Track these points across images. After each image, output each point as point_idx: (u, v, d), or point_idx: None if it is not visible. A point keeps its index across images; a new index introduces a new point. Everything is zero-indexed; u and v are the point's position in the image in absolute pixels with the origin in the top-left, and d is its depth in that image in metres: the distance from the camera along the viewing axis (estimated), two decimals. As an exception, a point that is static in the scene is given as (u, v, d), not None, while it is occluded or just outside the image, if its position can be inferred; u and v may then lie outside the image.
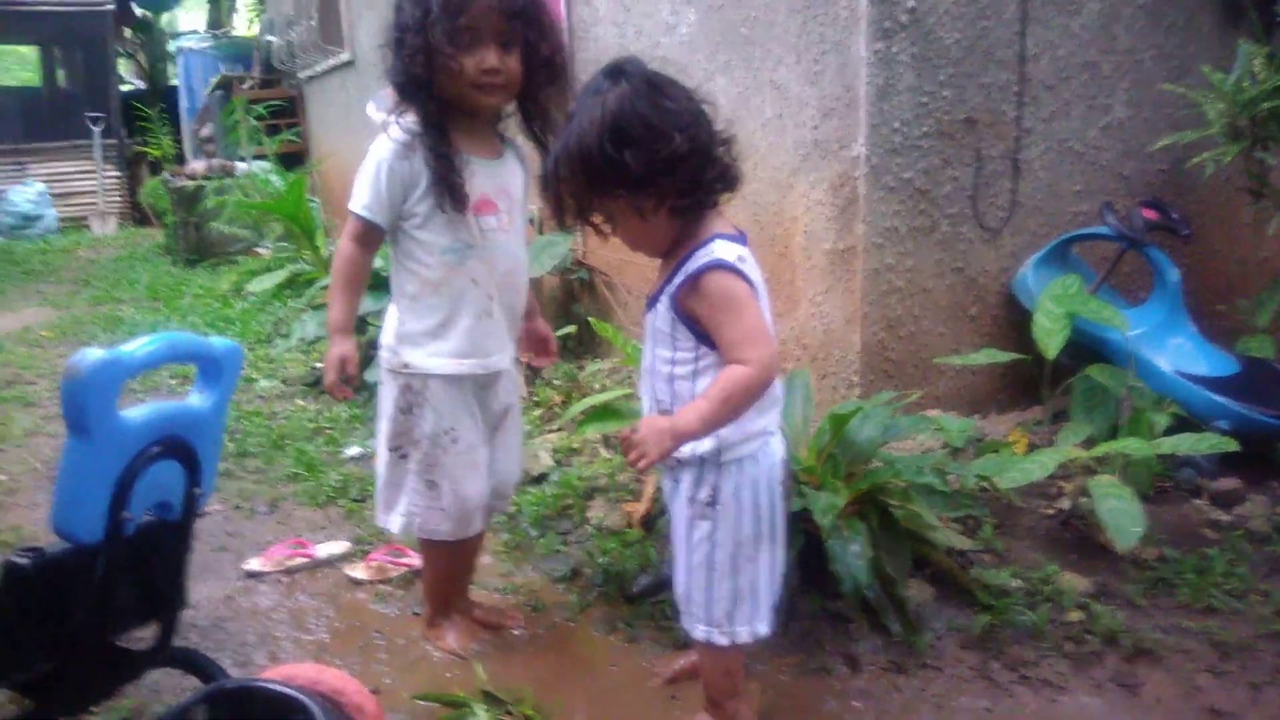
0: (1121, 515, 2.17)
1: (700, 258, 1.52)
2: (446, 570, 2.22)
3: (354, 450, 3.57)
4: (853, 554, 2.07)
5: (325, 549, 2.76)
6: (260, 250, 7.35)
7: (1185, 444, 2.35)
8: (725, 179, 1.54)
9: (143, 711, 1.96)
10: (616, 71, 1.49)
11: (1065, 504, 2.62)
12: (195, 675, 1.61)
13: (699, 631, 1.71)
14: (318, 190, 8.61)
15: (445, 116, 1.92)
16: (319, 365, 4.80)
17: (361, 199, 1.94)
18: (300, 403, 4.29)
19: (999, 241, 3.10)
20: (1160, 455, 2.50)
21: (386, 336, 2.05)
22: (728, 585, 1.66)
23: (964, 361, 2.81)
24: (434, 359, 1.99)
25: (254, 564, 2.71)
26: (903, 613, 2.16)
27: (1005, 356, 2.78)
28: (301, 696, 1.51)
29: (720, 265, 1.49)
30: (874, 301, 2.96)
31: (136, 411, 1.30)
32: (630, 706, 1.99)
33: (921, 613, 2.20)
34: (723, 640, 1.69)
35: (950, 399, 3.15)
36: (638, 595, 2.37)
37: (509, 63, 1.89)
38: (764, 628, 1.69)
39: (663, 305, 1.58)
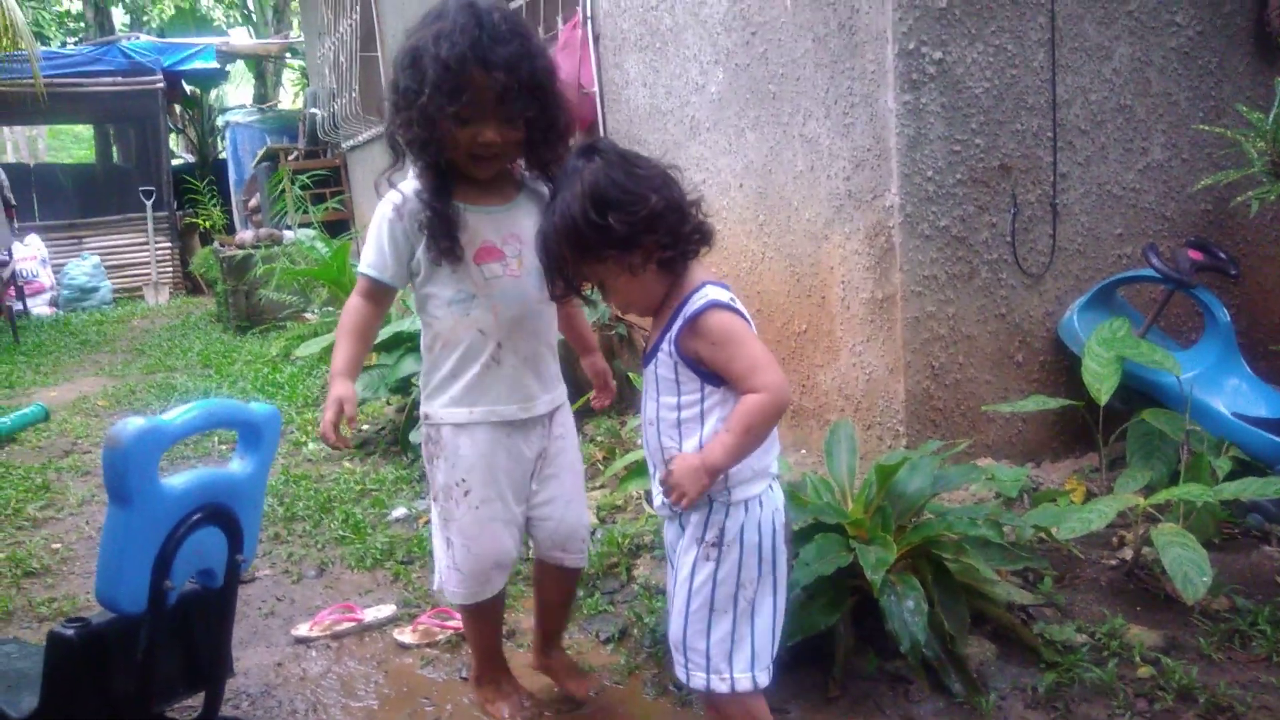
0: (1188, 564, 2.09)
1: (695, 301, 1.60)
2: (474, 631, 2.19)
3: (399, 512, 3.57)
4: (908, 610, 2.02)
5: (373, 613, 2.75)
6: (308, 315, 7.49)
7: (1251, 488, 2.27)
8: (701, 232, 1.63)
9: None
10: (589, 149, 1.60)
11: (1128, 554, 2.53)
12: (245, 746, 1.60)
13: (697, 680, 1.67)
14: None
15: (447, 170, 1.91)
16: (365, 427, 4.85)
17: (366, 258, 1.97)
18: (348, 465, 4.33)
19: (1041, 286, 3.06)
20: (1224, 501, 2.41)
21: (422, 385, 2.09)
22: (726, 626, 1.64)
23: (1013, 408, 2.76)
24: (445, 409, 2.00)
25: (302, 629, 2.71)
26: (964, 672, 2.09)
27: (1056, 403, 2.73)
28: (350, 767, 1.48)
29: (717, 304, 1.57)
30: (916, 350, 2.92)
31: (177, 479, 1.32)
32: (683, 773, 1.94)
33: (984, 671, 2.12)
34: (722, 687, 1.65)
35: (1001, 448, 3.09)
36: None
37: (509, 134, 1.87)
38: (764, 677, 1.66)
39: (664, 353, 1.63)
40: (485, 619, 2.17)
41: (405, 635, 2.62)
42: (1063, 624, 2.21)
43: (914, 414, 2.97)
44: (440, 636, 2.58)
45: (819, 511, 2.19)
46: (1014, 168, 2.95)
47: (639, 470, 2.73)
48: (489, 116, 1.82)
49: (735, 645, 1.64)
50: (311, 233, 7.34)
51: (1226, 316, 2.90)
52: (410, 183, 1.94)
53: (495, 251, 1.95)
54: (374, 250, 1.96)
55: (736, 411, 1.57)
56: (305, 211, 8.24)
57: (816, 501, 2.28)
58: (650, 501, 1.56)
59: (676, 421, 1.63)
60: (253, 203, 11.20)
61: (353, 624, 2.70)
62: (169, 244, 12.86)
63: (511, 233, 1.97)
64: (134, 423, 1.22)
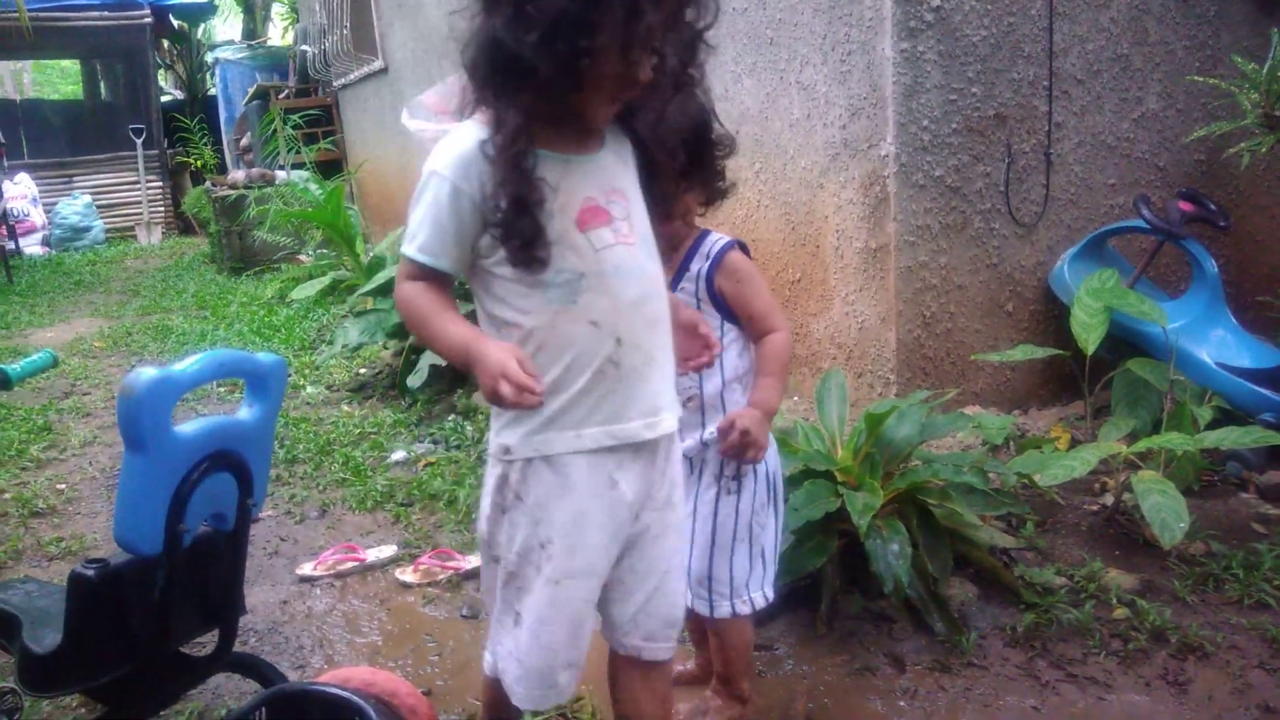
0: (1166, 510, 2.16)
1: (715, 242, 1.64)
2: None
3: (398, 455, 3.64)
4: (892, 554, 2.09)
5: (374, 553, 2.83)
6: (302, 258, 7.48)
7: (1230, 437, 2.34)
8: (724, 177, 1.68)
9: (206, 715, 2.03)
10: None
11: (1108, 500, 2.61)
12: (255, 679, 1.67)
13: (724, 608, 1.78)
14: (355, 197, 8.74)
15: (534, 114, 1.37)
16: (363, 371, 4.90)
17: (416, 237, 1.39)
18: (346, 408, 4.38)
19: (1033, 237, 3.10)
20: (1204, 450, 2.48)
21: (494, 415, 1.50)
22: (745, 551, 1.78)
23: (1001, 358, 2.81)
24: (537, 436, 1.42)
25: (307, 569, 2.78)
26: (945, 611, 2.17)
27: (1043, 352, 2.78)
28: (356, 699, 1.56)
29: (736, 244, 1.62)
30: (908, 299, 2.96)
31: (190, 426, 1.36)
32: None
33: (965, 612, 2.21)
34: (746, 609, 1.79)
35: (989, 396, 3.15)
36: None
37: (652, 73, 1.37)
38: (771, 591, 1.83)
39: (685, 294, 1.64)
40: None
41: (407, 575, 2.69)
42: (1043, 567, 2.29)
43: (904, 362, 3.02)
44: (441, 576, 2.65)
45: (809, 459, 2.25)
46: (1009, 117, 2.96)
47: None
48: (652, 47, 1.32)
49: (753, 567, 1.79)
50: (305, 174, 7.30)
51: (1214, 268, 2.94)
52: (469, 131, 1.38)
53: (600, 212, 1.42)
54: (426, 227, 1.39)
55: (769, 354, 1.68)
56: (297, 152, 8.18)
57: (807, 449, 2.34)
58: None
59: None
60: (244, 142, 11.08)
61: (355, 564, 2.78)
62: (160, 183, 12.74)
63: (613, 187, 1.44)
64: (147, 373, 1.27)
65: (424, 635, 2.39)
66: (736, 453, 1.68)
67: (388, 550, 2.85)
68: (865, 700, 1.99)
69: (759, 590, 1.81)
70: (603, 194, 1.42)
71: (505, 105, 1.32)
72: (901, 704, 1.97)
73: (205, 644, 1.82)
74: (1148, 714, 1.87)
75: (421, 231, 1.38)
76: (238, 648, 2.31)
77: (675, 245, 1.68)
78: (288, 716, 1.60)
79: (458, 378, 4.21)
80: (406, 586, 2.65)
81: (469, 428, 3.76)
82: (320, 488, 3.43)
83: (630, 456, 1.45)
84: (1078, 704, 1.92)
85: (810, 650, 2.16)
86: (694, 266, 1.64)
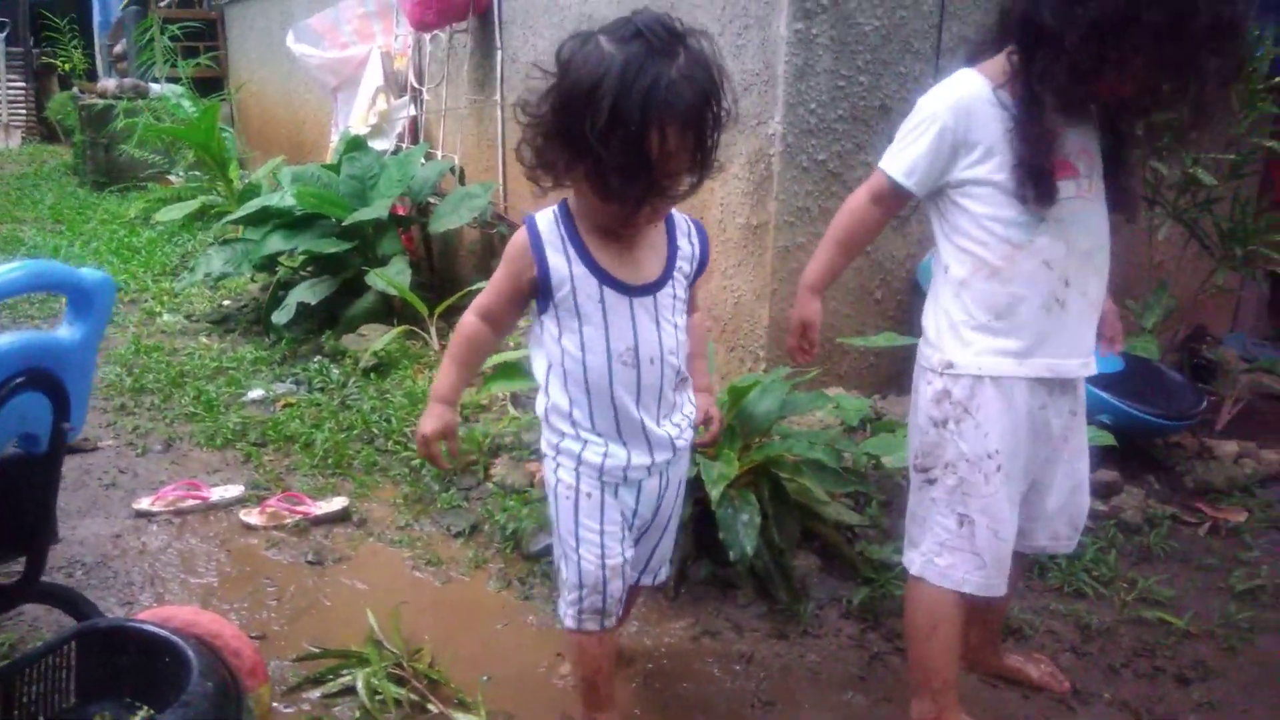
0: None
1: (684, 221, 1.63)
2: (942, 641, 1.72)
3: (256, 393, 3.50)
4: (741, 524, 2.13)
5: (219, 492, 2.72)
6: (171, 178, 7.08)
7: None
8: None
9: (20, 648, 1.92)
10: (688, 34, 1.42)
11: (950, 485, 2.73)
12: (68, 612, 1.59)
13: (664, 575, 1.85)
14: (234, 120, 8.31)
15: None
16: (227, 303, 4.69)
17: (897, 157, 1.63)
18: (204, 340, 4.19)
19: (906, 229, 3.18)
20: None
21: (928, 326, 1.71)
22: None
23: (865, 343, 2.89)
24: (987, 358, 1.61)
25: (145, 503, 2.66)
26: (788, 582, 2.24)
27: (905, 340, 2.86)
28: (174, 638, 1.50)
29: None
30: (784, 278, 3.01)
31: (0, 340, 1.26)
32: (519, 663, 2.03)
33: (807, 582, 2.28)
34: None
35: (852, 378, 3.24)
36: (535, 554, 2.40)
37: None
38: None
39: (680, 273, 1.58)
40: (956, 627, 1.72)
41: (252, 517, 2.60)
42: (883, 545, 2.38)
43: (775, 340, 3.07)
44: (288, 520, 2.58)
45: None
46: (893, 109, 3.03)
47: (503, 373, 2.75)
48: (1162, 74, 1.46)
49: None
50: (179, 89, 6.88)
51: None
52: (973, 79, 1.58)
53: (1070, 167, 1.58)
54: (910, 150, 1.61)
55: (700, 335, 1.73)
56: (174, 65, 7.71)
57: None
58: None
59: (683, 343, 1.60)
60: (118, 49, 10.38)
61: (198, 502, 2.67)
62: (23, 84, 11.85)
63: (1084, 147, 1.60)
64: None
65: (264, 579, 2.32)
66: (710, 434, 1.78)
67: (234, 490, 2.74)
68: (703, 664, 2.04)
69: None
70: (1076, 150, 1.59)
71: (1046, 72, 1.49)
72: (736, 668, 2.02)
73: (13, 572, 1.72)
74: (967, 690, 1.96)
75: (903, 154, 1.63)
76: (60, 580, 2.20)
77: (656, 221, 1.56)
78: (101, 654, 1.52)
79: (328, 318, 4.08)
80: (250, 528, 2.56)
81: (335, 370, 3.64)
82: (167, 421, 3.28)
83: (1063, 390, 1.67)
84: (902, 676, 2.01)
85: (656, 613, 2.19)
86: (683, 247, 1.58)
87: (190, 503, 2.66)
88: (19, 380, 1.27)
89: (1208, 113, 1.55)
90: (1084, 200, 1.59)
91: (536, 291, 1.51)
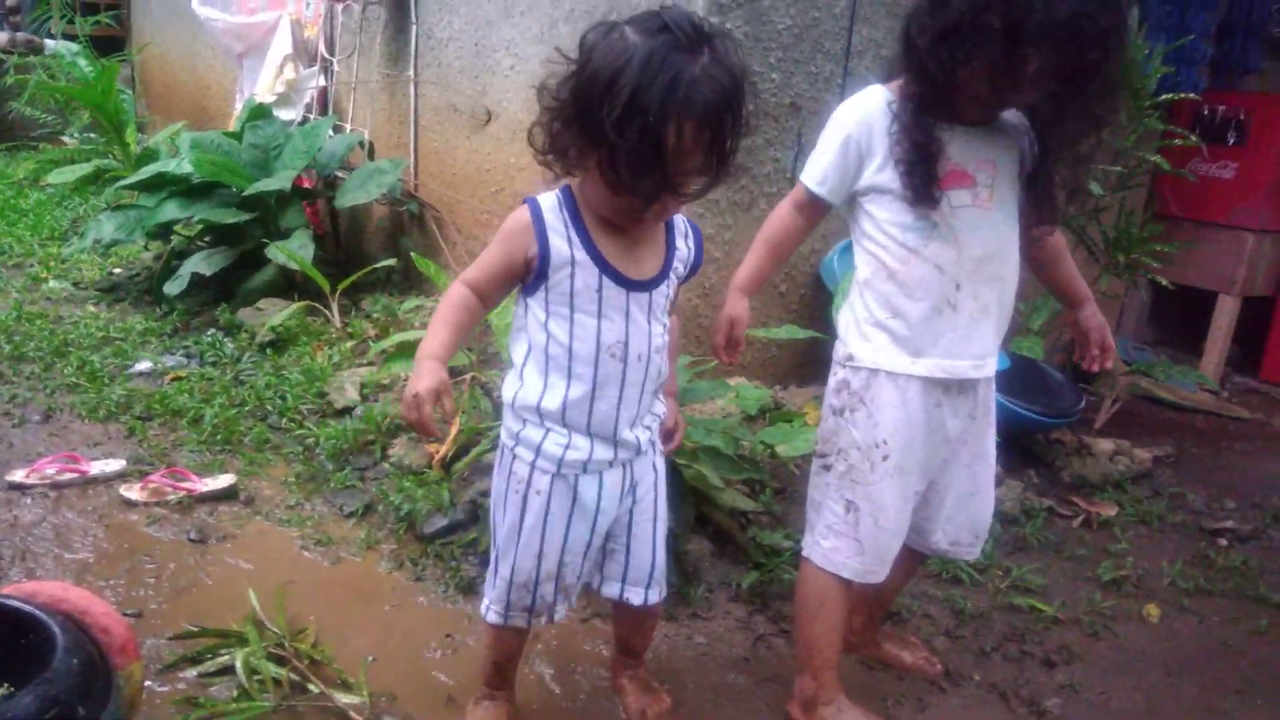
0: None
1: (685, 223, 1.60)
2: (824, 623, 1.79)
3: (143, 365, 3.37)
4: (637, 508, 2.15)
5: (99, 466, 2.62)
6: (65, 139, 6.75)
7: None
8: None
9: None
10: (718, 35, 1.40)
11: (843, 475, 2.80)
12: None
13: (665, 587, 1.76)
14: (135, 82, 7.97)
15: (939, 87, 1.57)
16: (117, 271, 4.50)
17: (810, 167, 1.71)
18: (91, 309, 4.01)
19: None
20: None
21: (838, 323, 1.78)
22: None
23: (767, 335, 2.94)
24: (882, 353, 1.69)
25: (18, 475, 2.54)
26: (681, 566, 2.27)
27: (805, 334, 2.92)
28: (39, 613, 1.45)
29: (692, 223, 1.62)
30: (691, 267, 3.04)
31: None
32: (408, 644, 2.01)
33: (699, 566, 2.32)
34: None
35: (754, 368, 3.30)
36: (429, 536, 2.38)
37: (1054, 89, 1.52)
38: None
39: (675, 274, 1.56)
40: (840, 609, 1.80)
41: (133, 492, 2.51)
42: (774, 530, 2.43)
43: (682, 330, 3.10)
44: (171, 496, 2.49)
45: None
46: (803, 108, 3.08)
47: (405, 351, 2.71)
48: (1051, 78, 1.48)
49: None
50: (75, 47, 6.56)
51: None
52: (878, 92, 1.65)
53: (964, 177, 1.64)
54: (820, 160, 1.70)
55: (675, 342, 1.66)
56: (71, 22, 7.33)
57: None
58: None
59: (665, 343, 1.58)
60: (11, 1, 9.82)
61: (76, 475, 2.56)
62: (-99, 31, 11.10)
63: (987, 158, 1.65)
64: None
65: (143, 556, 2.24)
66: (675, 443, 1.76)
67: (115, 464, 2.64)
68: (593, 645, 2.05)
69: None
70: (974, 162, 1.64)
71: (913, 79, 1.58)
72: (624, 651, 2.04)
73: None
74: (847, 671, 2.02)
75: (815, 163, 1.72)
76: (-81, 554, 2.09)
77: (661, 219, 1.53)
78: (-42, 630, 1.45)
79: (224, 291, 3.95)
80: (131, 504, 2.48)
81: (229, 345, 3.54)
82: (48, 391, 3.14)
83: (959, 391, 1.71)
84: (786, 658, 2.06)
85: (547, 595, 2.20)
86: (680, 248, 1.56)
87: (68, 476, 2.55)
88: None
89: (1093, 123, 1.57)
90: (980, 209, 1.64)
91: (530, 272, 1.47)
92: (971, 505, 1.82)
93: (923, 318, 1.66)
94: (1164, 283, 3.68)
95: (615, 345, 1.49)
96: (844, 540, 1.74)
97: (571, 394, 1.49)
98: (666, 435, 1.72)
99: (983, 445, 1.79)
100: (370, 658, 1.92)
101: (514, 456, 1.56)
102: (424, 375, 1.43)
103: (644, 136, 1.30)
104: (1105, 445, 3.28)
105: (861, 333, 1.71)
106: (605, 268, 1.46)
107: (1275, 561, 2.73)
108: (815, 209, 1.74)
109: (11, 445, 2.75)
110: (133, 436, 2.87)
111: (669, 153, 1.32)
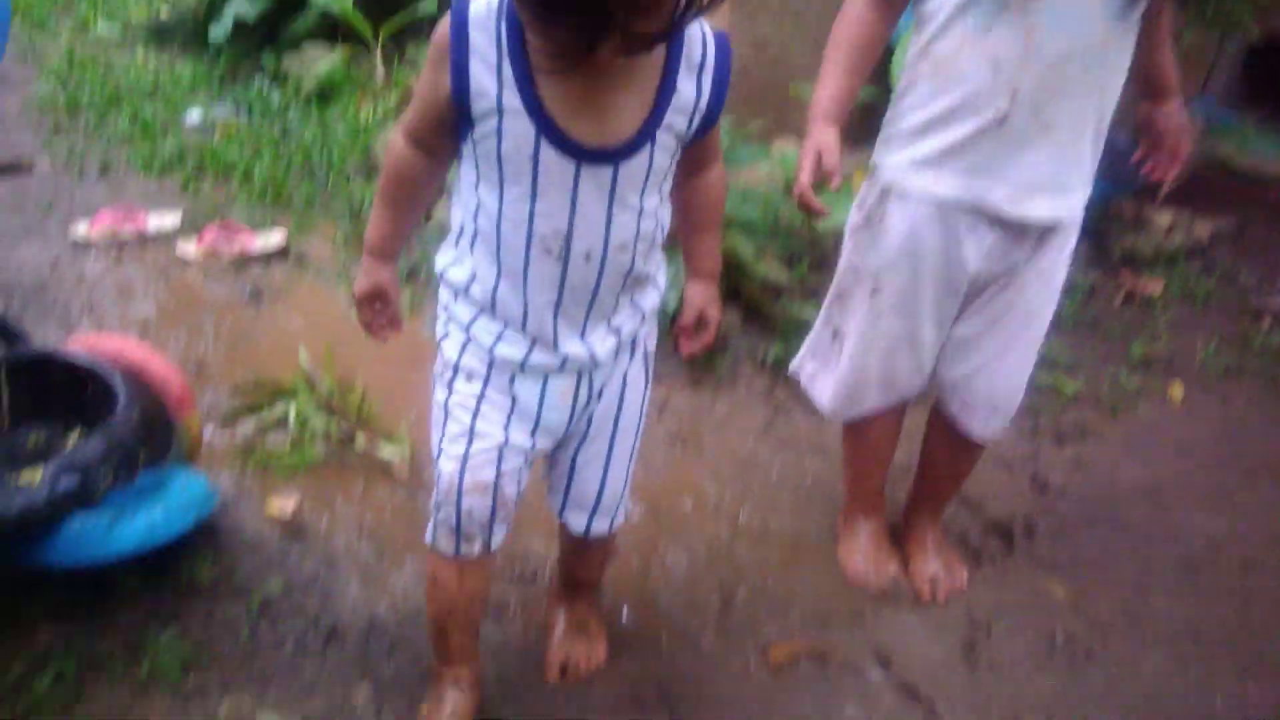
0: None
1: (703, 44, 1.04)
2: (845, 455, 1.73)
3: (194, 116, 3.40)
4: (666, 281, 2.18)
5: (156, 220, 2.72)
6: None
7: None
8: None
9: None
10: None
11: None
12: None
13: (619, 521, 1.39)
14: None
15: None
16: (164, 13, 4.42)
17: None
18: (140, 54, 3.99)
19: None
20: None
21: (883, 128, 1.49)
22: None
23: (817, 95, 2.82)
24: (908, 173, 1.41)
25: (81, 230, 2.66)
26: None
27: (863, 91, 2.80)
28: (101, 366, 1.56)
29: (724, 35, 1.08)
30: (744, 16, 2.88)
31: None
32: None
33: (728, 335, 2.38)
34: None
35: (804, 130, 3.19)
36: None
37: None
38: None
39: (671, 130, 1.05)
40: (856, 443, 1.70)
41: (189, 247, 2.62)
42: (804, 303, 2.46)
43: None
44: (225, 254, 2.60)
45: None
46: None
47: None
48: None
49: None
50: None
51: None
52: None
53: None
54: None
55: (714, 200, 1.21)
56: None
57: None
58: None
59: (658, 225, 1.13)
60: None
61: (135, 230, 2.67)
62: None
63: None
64: None
65: (201, 311, 2.38)
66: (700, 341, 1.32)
67: (171, 219, 2.74)
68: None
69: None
70: None
71: None
72: (651, 413, 2.14)
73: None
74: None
75: None
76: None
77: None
78: (30, 381, 1.60)
79: (268, 35, 3.87)
80: (188, 260, 2.59)
81: (276, 96, 3.52)
82: (104, 142, 3.20)
83: (986, 225, 1.39)
84: (801, 425, 2.16)
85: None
86: (683, 90, 1.03)
87: (127, 231, 2.66)
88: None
89: None
90: None
91: (454, 113, 1.04)
92: (993, 370, 1.53)
93: (963, 130, 1.33)
94: (1256, 35, 3.37)
95: (552, 237, 1.06)
96: (823, 368, 1.62)
97: (501, 287, 1.12)
98: (688, 332, 1.30)
99: (1024, 300, 1.47)
100: (413, 415, 2.06)
101: (446, 332, 1.20)
102: (360, 277, 1.21)
103: None
104: (1163, 218, 3.17)
105: (886, 136, 1.45)
106: (545, 124, 0.99)
107: (1318, 344, 2.70)
108: None
109: (73, 198, 2.86)
110: (186, 190, 2.95)
111: None
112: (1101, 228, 3.10)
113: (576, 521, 1.35)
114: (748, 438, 2.12)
